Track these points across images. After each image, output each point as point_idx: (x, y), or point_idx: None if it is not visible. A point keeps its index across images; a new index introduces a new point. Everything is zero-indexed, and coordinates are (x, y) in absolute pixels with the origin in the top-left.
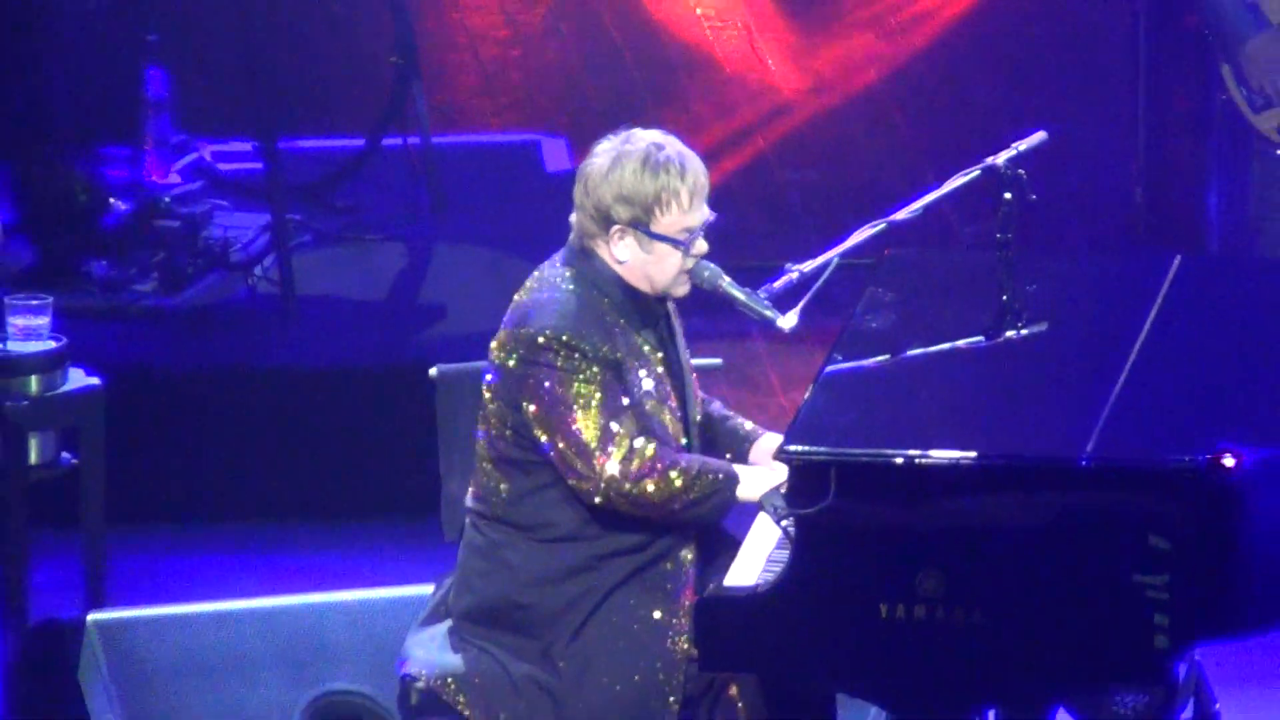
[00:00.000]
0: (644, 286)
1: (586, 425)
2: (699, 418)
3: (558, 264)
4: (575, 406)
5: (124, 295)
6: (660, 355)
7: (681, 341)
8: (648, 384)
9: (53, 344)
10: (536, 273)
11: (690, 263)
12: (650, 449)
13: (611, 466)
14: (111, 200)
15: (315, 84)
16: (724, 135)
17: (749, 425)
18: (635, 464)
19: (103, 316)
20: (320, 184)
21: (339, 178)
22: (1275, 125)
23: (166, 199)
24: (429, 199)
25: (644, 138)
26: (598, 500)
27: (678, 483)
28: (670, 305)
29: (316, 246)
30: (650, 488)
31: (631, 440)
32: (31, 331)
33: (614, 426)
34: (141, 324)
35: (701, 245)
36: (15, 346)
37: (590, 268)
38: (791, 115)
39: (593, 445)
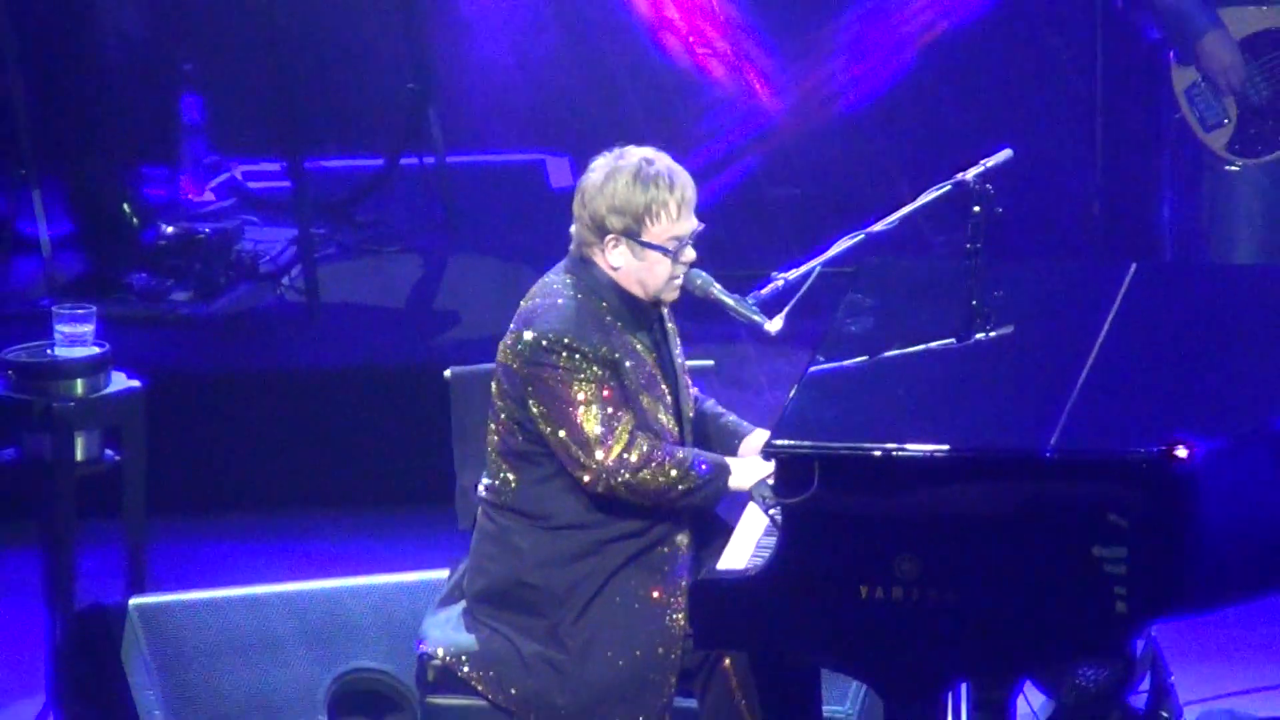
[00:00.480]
0: (637, 291)
1: (588, 420)
2: (692, 413)
3: (559, 272)
4: (577, 403)
5: (162, 304)
6: (654, 355)
7: (674, 342)
8: (643, 381)
9: (97, 350)
10: (540, 281)
11: (680, 269)
12: (647, 442)
13: (612, 458)
14: (153, 218)
15: (338, 108)
16: (714, 154)
17: (739, 422)
18: (634, 456)
19: (143, 324)
20: (343, 200)
21: (361, 195)
22: (1224, 143)
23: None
24: (443, 214)
25: (636, 154)
26: (599, 490)
27: (674, 473)
28: (665, 310)
29: (340, 258)
30: (648, 477)
31: (630, 434)
32: (77, 338)
33: (613, 421)
34: (178, 331)
35: (689, 253)
36: (62, 352)
37: (588, 274)
38: (777, 135)
39: (594, 439)
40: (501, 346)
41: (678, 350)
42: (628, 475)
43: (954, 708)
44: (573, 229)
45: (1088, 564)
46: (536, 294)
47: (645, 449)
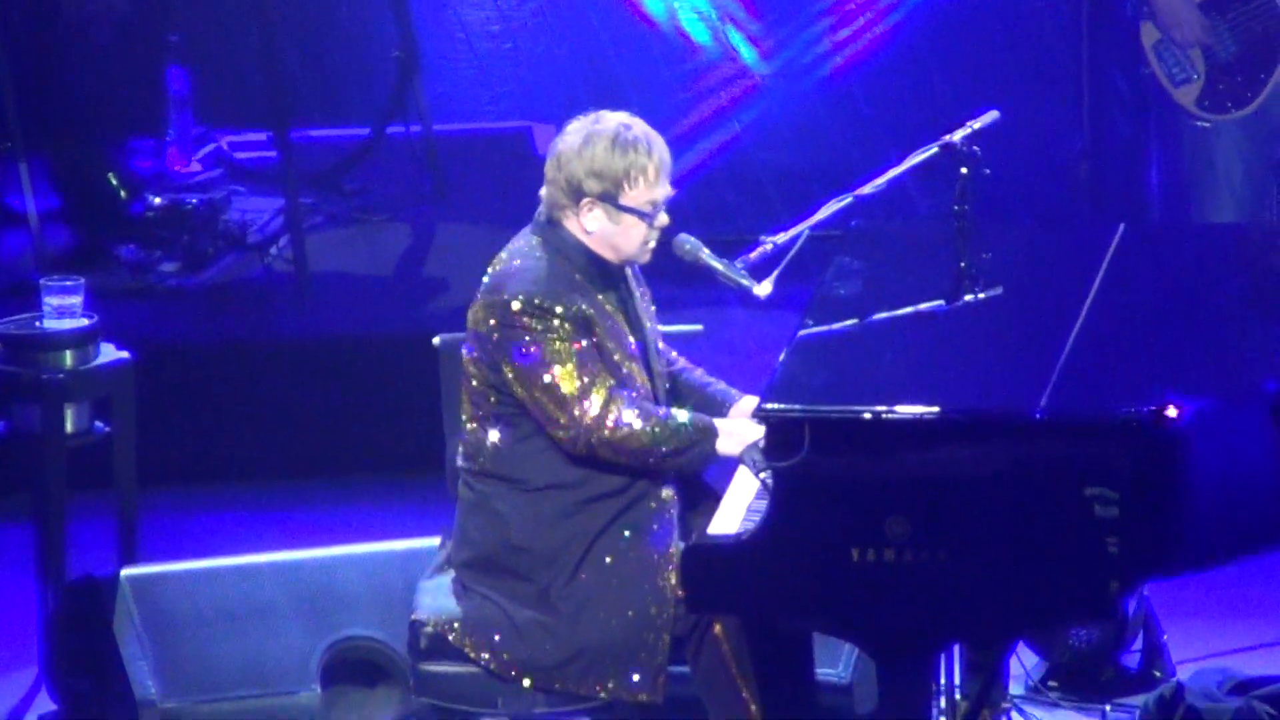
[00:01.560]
0: (609, 255)
1: (564, 379)
2: (663, 371)
3: (525, 236)
4: (552, 363)
5: (151, 276)
6: (622, 313)
7: (640, 304)
8: (615, 339)
9: (86, 321)
10: (506, 247)
11: (653, 234)
12: (626, 400)
13: (590, 417)
14: (141, 190)
15: (324, 79)
16: (701, 119)
17: (727, 390)
18: (612, 413)
19: (131, 295)
20: (330, 170)
21: (347, 164)
22: (1194, 99)
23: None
24: (430, 183)
25: (612, 119)
26: (579, 449)
27: (657, 432)
28: (629, 271)
29: (327, 228)
30: (627, 435)
31: (608, 391)
32: (66, 310)
33: (590, 379)
34: (167, 302)
35: (663, 218)
36: (51, 324)
37: (557, 236)
38: (763, 100)
39: (571, 398)
40: (471, 312)
41: (648, 309)
42: (607, 433)
43: (947, 669)
44: (543, 192)
45: (1079, 524)
46: (503, 259)
47: (625, 406)
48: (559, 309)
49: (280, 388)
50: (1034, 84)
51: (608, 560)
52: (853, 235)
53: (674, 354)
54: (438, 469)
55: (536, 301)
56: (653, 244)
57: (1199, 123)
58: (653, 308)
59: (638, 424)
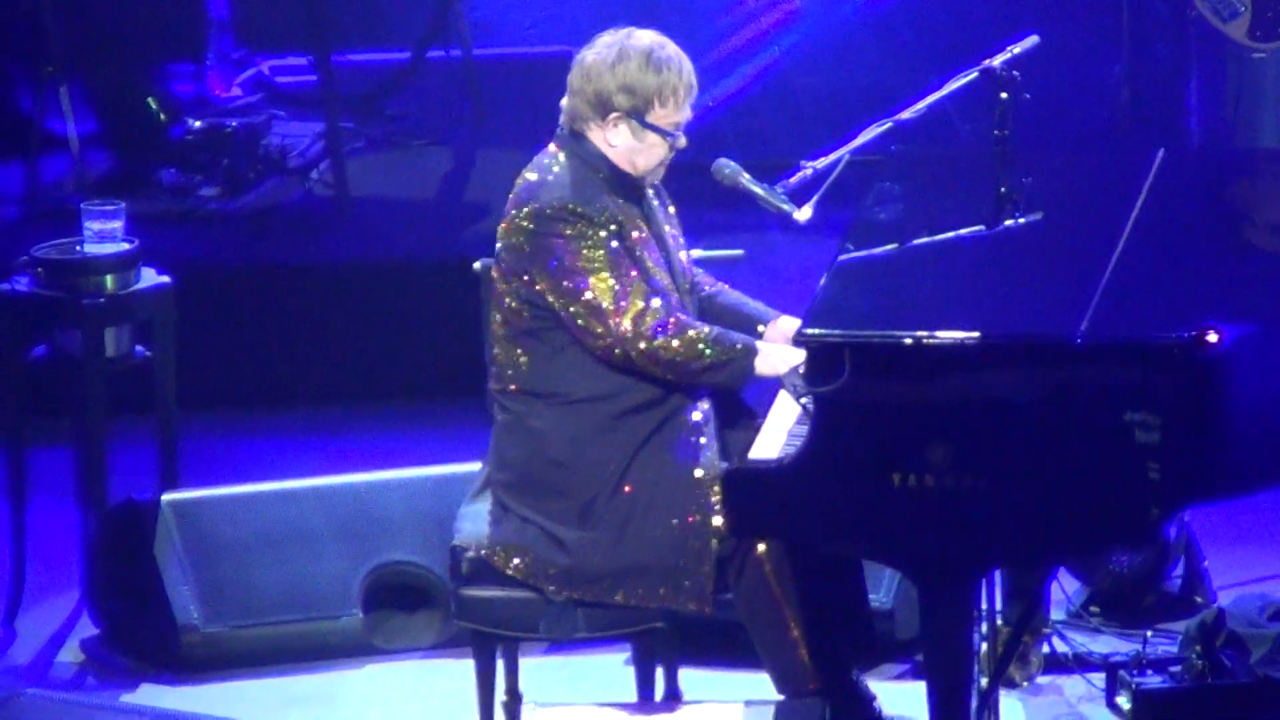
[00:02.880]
0: (628, 169)
1: (599, 287)
2: (688, 286)
3: (549, 151)
4: (586, 271)
5: (191, 200)
6: (647, 228)
7: (661, 218)
8: (644, 249)
9: (126, 246)
10: (530, 163)
11: (670, 155)
12: (661, 307)
13: (626, 324)
14: (181, 114)
15: (365, 2)
16: (741, 44)
17: (764, 310)
18: (649, 321)
19: (172, 220)
20: (371, 94)
21: (388, 88)
22: (1245, 32)
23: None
24: (471, 107)
25: (645, 36)
26: (616, 357)
27: (695, 344)
28: (651, 187)
29: (368, 152)
30: (666, 344)
31: (646, 299)
32: (106, 234)
33: (625, 286)
34: (207, 226)
35: (683, 140)
36: (92, 248)
37: (581, 148)
38: (803, 24)
39: (607, 306)
40: (501, 229)
41: (673, 225)
42: (644, 343)
43: (989, 595)
44: (565, 103)
45: (1119, 450)
46: (528, 174)
47: (661, 314)
48: (592, 213)
49: (320, 312)
50: (1073, 7)
51: (648, 473)
52: (893, 160)
53: (700, 274)
54: (478, 393)
55: (571, 207)
56: (665, 166)
57: (1255, 54)
58: (678, 229)
59: (676, 334)
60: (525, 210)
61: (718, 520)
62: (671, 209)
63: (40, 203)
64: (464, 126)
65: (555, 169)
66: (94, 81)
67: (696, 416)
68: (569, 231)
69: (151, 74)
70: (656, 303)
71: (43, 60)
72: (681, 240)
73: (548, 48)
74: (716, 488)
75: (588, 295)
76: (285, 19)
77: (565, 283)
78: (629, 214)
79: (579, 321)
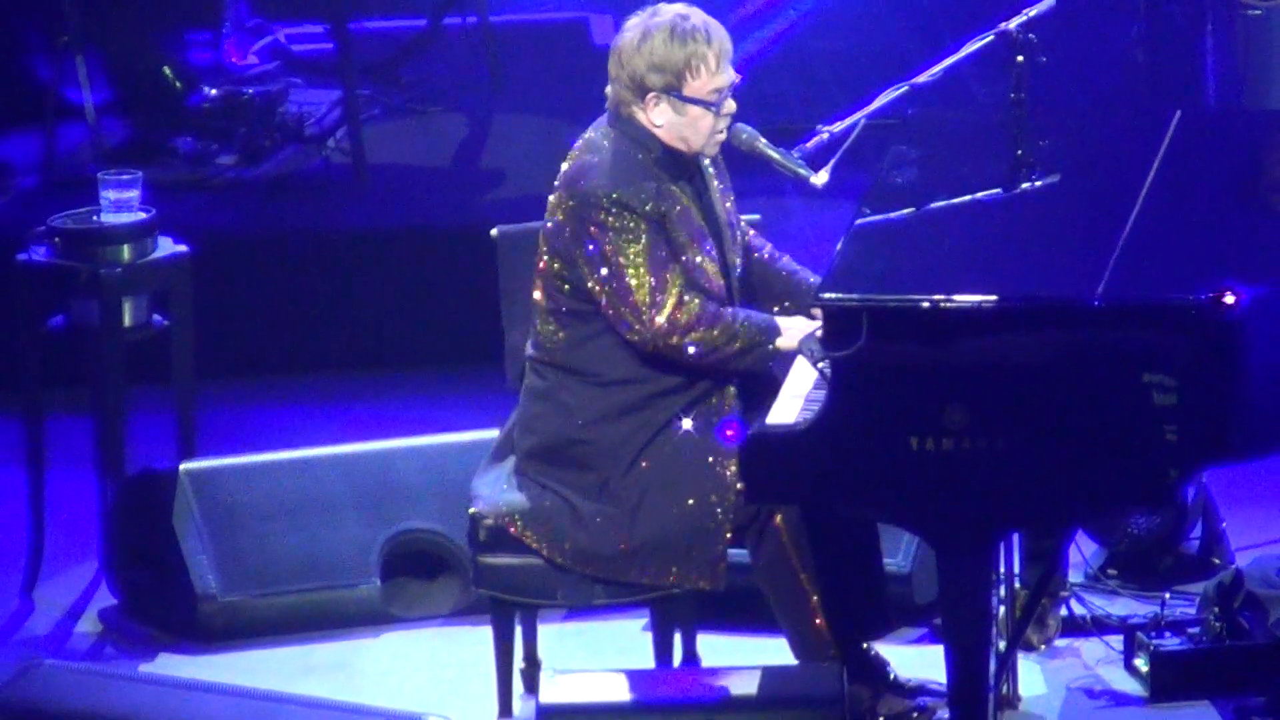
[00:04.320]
0: (680, 147)
1: (636, 282)
2: (739, 266)
3: (600, 128)
4: (625, 265)
5: (208, 168)
6: (698, 205)
7: (717, 194)
8: (690, 234)
9: (143, 215)
10: (582, 138)
11: (722, 122)
12: (696, 303)
13: (660, 319)
14: (197, 82)
15: None
16: (757, 8)
17: (814, 279)
18: (683, 317)
19: (189, 188)
20: (387, 61)
21: (405, 55)
22: None
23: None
24: (488, 73)
25: (669, 10)
26: (648, 350)
27: (722, 336)
28: (705, 162)
29: (385, 119)
30: (695, 338)
31: (680, 295)
32: (123, 204)
33: (661, 282)
34: (225, 194)
35: (730, 105)
36: (109, 218)
37: (632, 127)
38: None
39: (642, 301)
40: (550, 203)
41: (728, 203)
42: (675, 338)
43: (1007, 558)
44: (608, 90)
45: (1137, 411)
46: (581, 151)
47: (695, 310)
48: (635, 204)
49: (338, 279)
50: None
51: (667, 450)
52: (910, 124)
53: (752, 236)
54: (495, 361)
55: (614, 195)
56: (723, 135)
57: (1250, 11)
58: (731, 199)
59: (704, 329)
60: (572, 192)
61: (733, 498)
62: (725, 179)
63: (57, 172)
64: (481, 93)
65: (604, 151)
66: (110, 50)
67: (723, 397)
68: (612, 222)
69: (168, 42)
70: (690, 298)
71: (59, 29)
72: (736, 216)
73: (564, 14)
74: (733, 465)
75: (626, 288)
76: None
77: (604, 272)
78: (676, 196)
79: (611, 311)
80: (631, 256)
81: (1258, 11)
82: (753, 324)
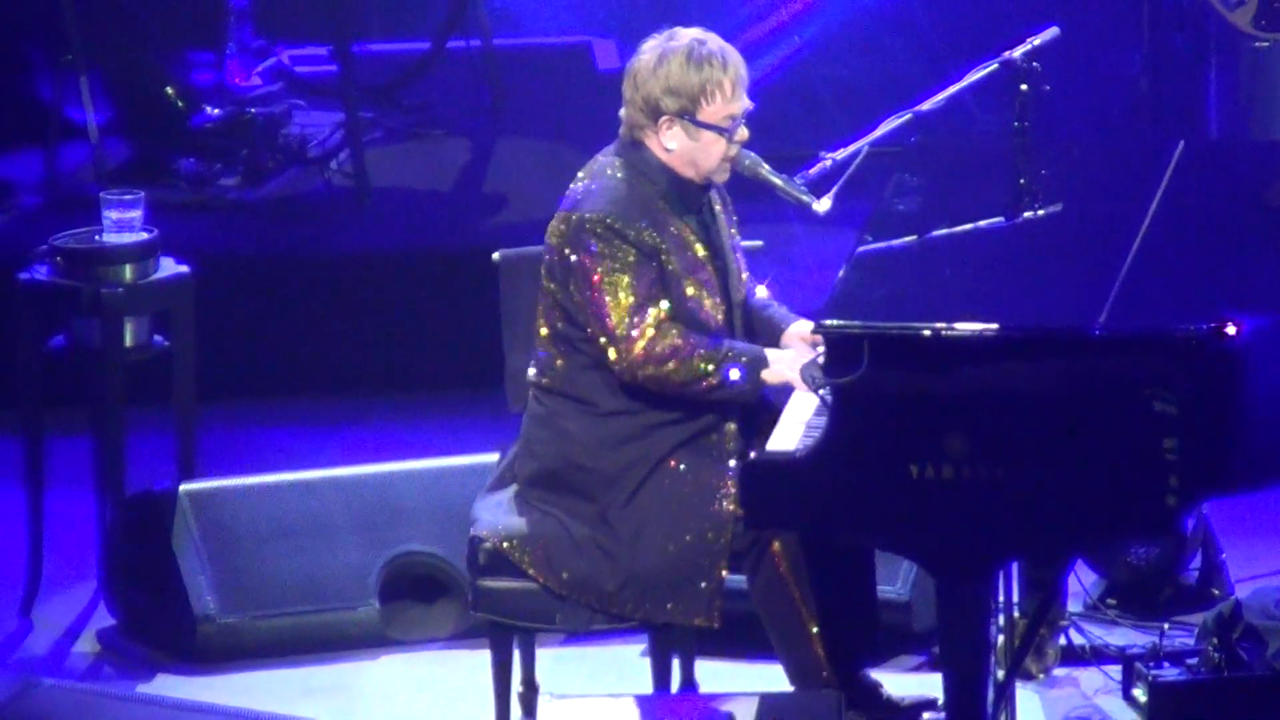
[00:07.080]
0: (690, 173)
1: (615, 310)
2: (741, 298)
3: (609, 154)
4: (605, 293)
5: (210, 189)
6: (703, 238)
7: (724, 226)
8: (687, 267)
9: (145, 235)
10: (589, 163)
11: (734, 149)
12: (675, 333)
13: (637, 349)
14: (200, 103)
15: None
16: (761, 33)
17: (786, 315)
18: (659, 347)
19: (191, 209)
20: (390, 84)
21: (407, 78)
22: (1250, 19)
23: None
24: (490, 97)
25: (686, 35)
26: (627, 379)
27: (702, 366)
28: (713, 194)
29: (387, 142)
30: (672, 368)
31: (658, 326)
32: (125, 224)
33: (641, 312)
34: (227, 215)
35: (743, 132)
36: (110, 238)
37: (639, 158)
38: (823, 14)
39: (619, 330)
40: (550, 228)
41: (731, 232)
42: (652, 368)
43: (1006, 587)
44: (622, 113)
45: (1137, 441)
46: (586, 176)
47: (675, 340)
48: (629, 232)
49: (339, 302)
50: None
51: (666, 484)
52: (912, 152)
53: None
54: (496, 384)
55: (608, 221)
56: (730, 162)
57: (1258, 43)
58: (735, 231)
59: (681, 360)
60: (569, 215)
61: (730, 534)
62: (730, 211)
63: (59, 191)
64: (483, 116)
65: (609, 178)
66: (113, 70)
67: (723, 433)
68: (600, 247)
69: (171, 63)
70: (669, 328)
71: (62, 48)
72: (740, 250)
73: (567, 38)
74: (731, 502)
75: (604, 316)
76: (305, 8)
77: (587, 299)
78: (677, 229)
79: (597, 341)
80: (614, 282)
81: (1265, 43)
82: (738, 354)
